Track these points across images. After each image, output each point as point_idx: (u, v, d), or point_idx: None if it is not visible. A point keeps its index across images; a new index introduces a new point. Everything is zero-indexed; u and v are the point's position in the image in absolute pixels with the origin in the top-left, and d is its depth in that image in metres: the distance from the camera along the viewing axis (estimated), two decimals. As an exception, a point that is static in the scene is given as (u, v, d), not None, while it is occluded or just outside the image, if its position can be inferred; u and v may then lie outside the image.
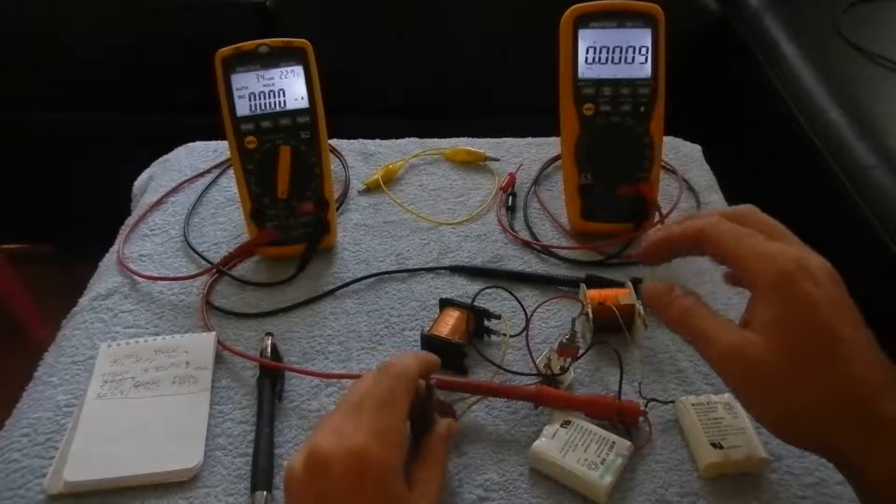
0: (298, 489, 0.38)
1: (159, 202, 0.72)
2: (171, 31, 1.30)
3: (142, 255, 0.66)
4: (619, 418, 0.49)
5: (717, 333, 0.39)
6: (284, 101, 0.62)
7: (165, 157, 0.79)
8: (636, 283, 0.58)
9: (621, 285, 0.58)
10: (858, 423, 0.35)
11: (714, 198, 0.72)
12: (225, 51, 0.61)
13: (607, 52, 0.63)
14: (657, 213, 0.65)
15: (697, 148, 0.80)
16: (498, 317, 0.56)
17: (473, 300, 0.55)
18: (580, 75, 0.63)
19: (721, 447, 0.47)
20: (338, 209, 0.70)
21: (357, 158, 0.78)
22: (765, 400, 0.37)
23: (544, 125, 0.75)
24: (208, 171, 0.76)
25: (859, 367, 0.35)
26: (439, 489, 0.42)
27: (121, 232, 0.69)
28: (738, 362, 0.38)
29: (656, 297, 0.43)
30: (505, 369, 0.53)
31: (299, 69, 0.62)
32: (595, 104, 0.64)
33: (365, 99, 1.34)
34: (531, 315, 0.55)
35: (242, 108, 0.62)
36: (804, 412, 0.36)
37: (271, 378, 0.53)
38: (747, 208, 0.41)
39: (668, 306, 0.42)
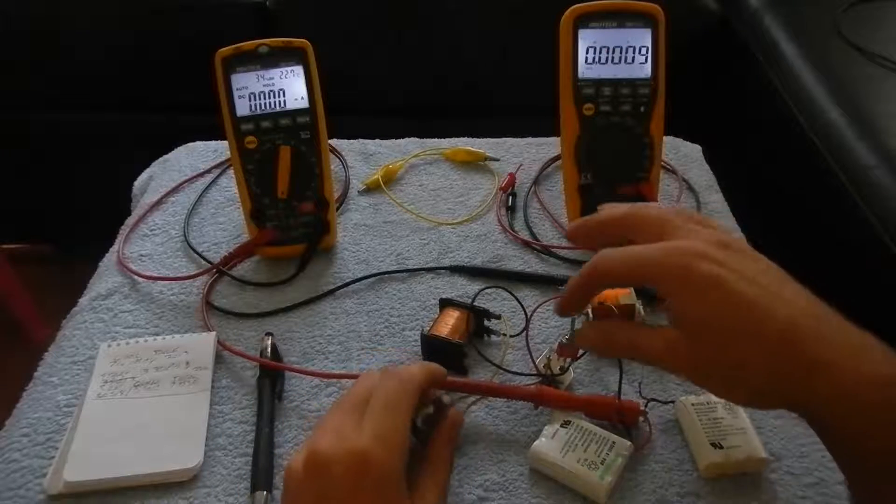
0: (298, 489, 0.38)
1: (159, 202, 0.72)
2: (171, 31, 1.30)
3: (142, 255, 0.66)
4: (619, 418, 0.49)
5: (643, 342, 0.40)
6: (284, 101, 0.62)
7: (165, 157, 0.79)
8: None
9: (621, 285, 0.58)
10: (804, 373, 0.34)
11: (714, 198, 0.72)
12: (225, 51, 0.61)
13: (607, 52, 0.63)
14: (657, 213, 0.65)
15: (697, 148, 0.80)
16: (498, 317, 0.56)
17: (473, 300, 0.55)
18: (580, 75, 0.63)
19: (721, 447, 0.47)
20: (338, 209, 0.70)
21: (357, 158, 0.78)
22: (713, 384, 0.38)
23: (544, 125, 0.75)
24: (208, 171, 0.76)
25: (783, 317, 0.35)
26: (442, 493, 0.42)
27: (121, 232, 0.69)
28: (671, 364, 0.39)
29: (588, 338, 0.44)
30: (505, 369, 0.53)
31: (299, 69, 0.62)
32: (595, 104, 0.64)
33: (365, 99, 1.34)
34: (531, 315, 0.55)
35: (242, 108, 0.62)
36: (748, 380, 0.36)
37: (271, 378, 0.53)
38: (674, 208, 0.43)
39: (601, 340, 0.43)
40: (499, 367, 0.53)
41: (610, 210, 0.42)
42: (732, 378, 0.37)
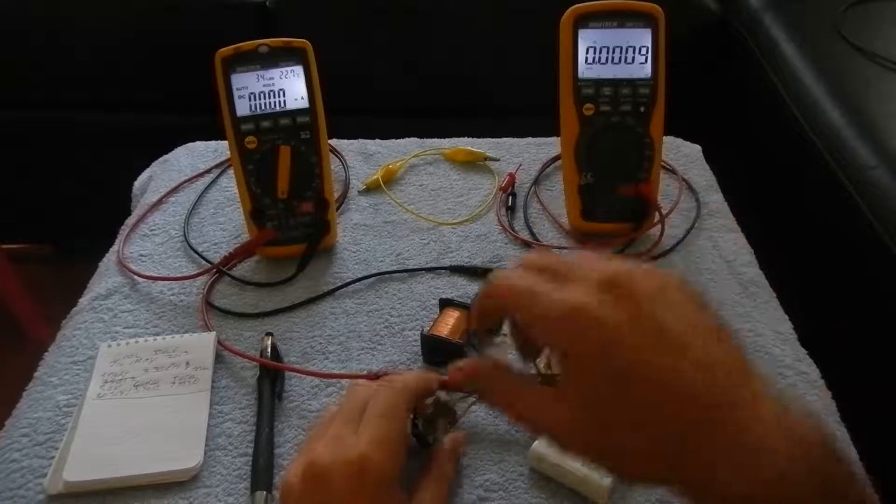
0: (297, 502, 0.38)
1: (159, 202, 0.72)
2: (171, 31, 1.30)
3: (142, 255, 0.66)
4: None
5: (529, 408, 0.35)
6: (284, 101, 0.62)
7: (165, 157, 0.79)
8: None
9: None
10: (701, 465, 0.30)
11: (714, 198, 0.72)
12: (225, 51, 0.61)
13: (607, 52, 0.63)
14: (657, 213, 0.65)
15: (697, 148, 0.80)
16: (498, 317, 0.56)
17: (474, 300, 0.55)
18: (580, 75, 0.63)
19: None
20: (338, 209, 0.70)
21: (357, 158, 0.78)
22: (605, 461, 0.34)
23: (544, 125, 0.75)
24: (208, 171, 0.76)
25: (674, 402, 0.30)
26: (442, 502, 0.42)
27: (121, 232, 0.69)
28: (560, 435, 0.34)
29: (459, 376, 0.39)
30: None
31: (299, 69, 0.62)
32: (595, 104, 0.64)
33: (365, 99, 1.34)
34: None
35: (242, 108, 0.62)
36: (643, 464, 0.32)
37: (271, 378, 0.53)
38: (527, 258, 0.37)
39: (474, 375, 0.39)
40: (499, 367, 0.53)
41: (478, 302, 0.38)
42: (611, 453, 0.33)
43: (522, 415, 0.35)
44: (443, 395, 0.46)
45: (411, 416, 0.46)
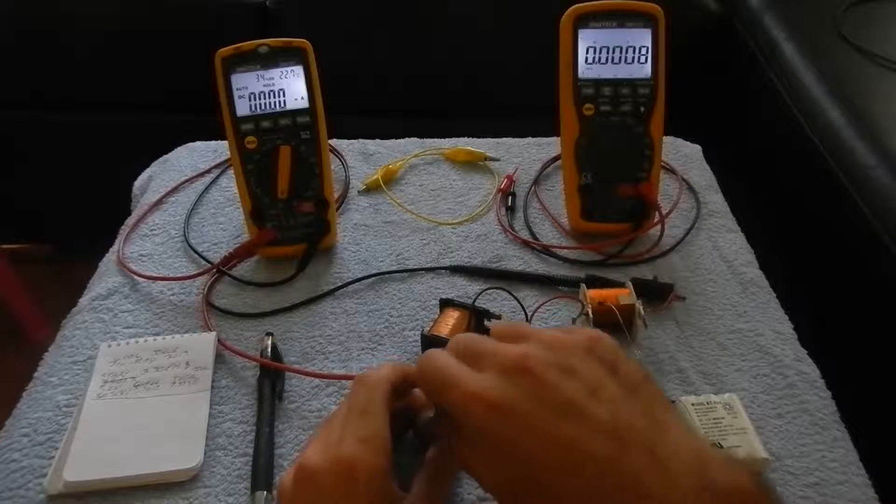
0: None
1: (159, 202, 0.72)
2: (171, 31, 1.30)
3: (142, 255, 0.66)
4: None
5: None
6: (284, 101, 0.62)
7: (165, 157, 0.79)
8: (636, 282, 0.58)
9: (621, 285, 0.58)
10: None
11: (714, 198, 0.72)
12: (225, 51, 0.61)
13: (607, 52, 0.63)
14: (657, 213, 0.65)
15: (697, 148, 0.80)
16: (498, 317, 0.56)
17: (474, 301, 0.55)
18: (580, 75, 0.63)
19: (721, 447, 0.47)
20: (338, 209, 0.70)
21: (357, 158, 0.78)
22: None
23: (544, 125, 0.75)
24: (208, 171, 0.76)
25: (575, 476, 0.31)
26: (441, 500, 0.43)
27: (121, 232, 0.69)
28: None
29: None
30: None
31: (299, 69, 0.62)
32: (595, 104, 0.64)
33: (365, 99, 1.34)
34: (531, 315, 0.55)
35: (242, 108, 0.62)
36: None
37: (271, 378, 0.53)
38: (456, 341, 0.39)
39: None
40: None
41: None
42: None
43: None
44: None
45: (416, 413, 0.46)
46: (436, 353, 0.38)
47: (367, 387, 0.42)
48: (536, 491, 0.33)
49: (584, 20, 0.63)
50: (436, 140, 0.80)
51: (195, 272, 0.63)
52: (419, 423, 0.46)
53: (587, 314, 0.55)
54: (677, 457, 0.32)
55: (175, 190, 0.73)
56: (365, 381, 0.43)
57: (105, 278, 0.63)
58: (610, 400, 0.33)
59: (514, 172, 0.75)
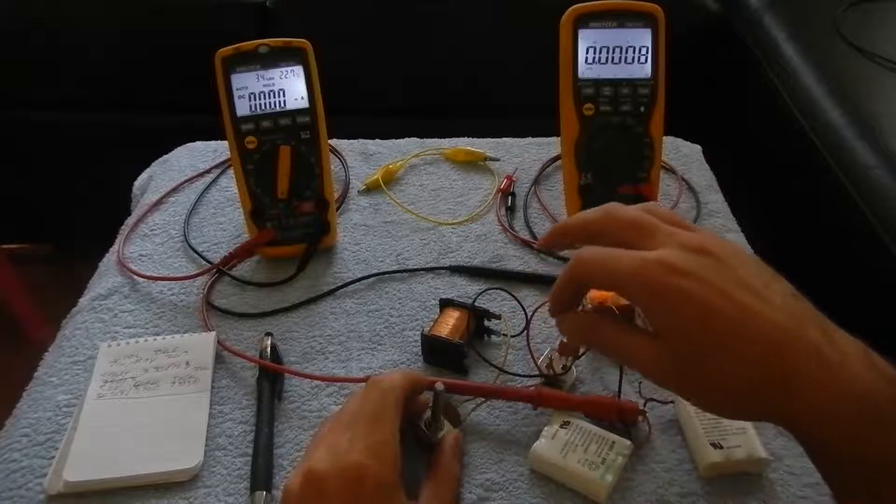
0: None
1: (159, 202, 0.72)
2: (172, 31, 1.30)
3: (142, 255, 0.66)
4: (619, 418, 0.49)
5: (631, 349, 0.38)
6: (284, 101, 0.62)
7: (165, 157, 0.79)
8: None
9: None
10: (781, 388, 0.33)
11: (714, 198, 0.72)
12: (225, 51, 0.61)
13: (607, 52, 0.63)
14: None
15: (697, 148, 0.80)
16: (498, 317, 0.56)
17: (474, 301, 0.55)
18: (580, 75, 0.63)
19: (721, 447, 0.47)
20: (338, 209, 0.70)
21: (357, 158, 0.78)
22: (698, 399, 0.37)
23: (544, 125, 0.75)
24: (208, 171, 0.76)
25: (759, 332, 0.34)
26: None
27: (121, 232, 0.69)
28: (656, 377, 0.38)
29: (572, 329, 0.42)
30: (506, 371, 0.53)
31: (299, 69, 0.62)
32: (595, 104, 0.64)
33: (365, 99, 1.34)
34: (532, 315, 0.55)
35: (242, 108, 0.62)
36: (730, 395, 0.35)
37: (271, 378, 0.53)
38: (651, 204, 0.41)
39: (586, 332, 0.41)
40: (500, 369, 0.53)
41: (584, 215, 0.41)
42: (714, 393, 0.36)
43: (625, 359, 0.40)
44: (445, 396, 0.47)
45: (415, 417, 0.47)
46: (593, 248, 0.38)
47: (380, 392, 0.42)
48: (714, 353, 0.34)
49: (584, 20, 0.63)
50: (436, 140, 0.80)
51: (195, 272, 0.63)
52: (420, 426, 0.46)
53: (587, 314, 0.55)
54: (846, 340, 0.34)
55: (175, 190, 0.73)
56: (378, 386, 0.43)
57: (105, 278, 0.63)
58: (781, 292, 0.36)
59: (514, 172, 0.75)
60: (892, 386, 0.33)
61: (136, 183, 0.77)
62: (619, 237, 0.39)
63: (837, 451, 0.34)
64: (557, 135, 0.66)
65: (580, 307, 0.51)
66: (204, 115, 0.78)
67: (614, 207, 0.40)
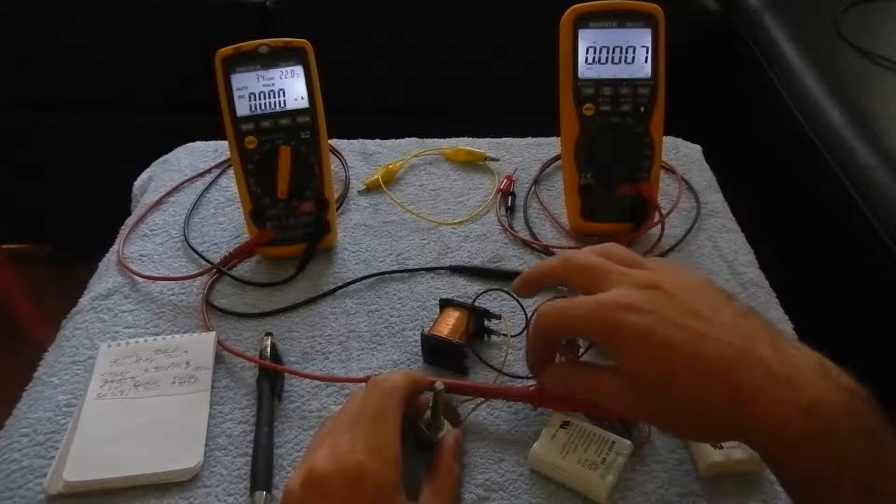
0: None
1: (159, 202, 0.72)
2: (171, 31, 1.30)
3: (142, 255, 0.66)
4: (619, 418, 0.49)
5: (597, 388, 0.42)
6: (284, 101, 0.62)
7: (165, 157, 0.79)
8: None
9: None
10: (734, 408, 0.35)
11: (714, 198, 0.72)
12: (225, 51, 0.61)
13: (607, 52, 0.63)
14: (657, 213, 0.65)
15: (697, 148, 0.80)
16: (498, 317, 0.56)
17: (474, 301, 0.55)
18: (580, 75, 0.63)
19: (721, 447, 0.47)
20: (338, 209, 0.70)
21: (357, 158, 0.78)
22: (661, 425, 0.41)
23: (544, 125, 0.75)
24: (208, 171, 0.76)
25: (711, 356, 0.36)
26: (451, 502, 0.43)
27: (121, 232, 0.69)
28: (621, 410, 0.42)
29: (551, 383, 0.47)
30: (505, 373, 0.53)
31: (299, 69, 0.62)
32: (595, 104, 0.64)
33: (365, 99, 1.34)
34: (531, 315, 0.55)
35: (242, 108, 0.62)
36: (689, 420, 0.38)
37: (271, 378, 0.53)
38: (607, 245, 0.44)
39: (561, 384, 0.46)
40: (499, 371, 0.53)
41: (543, 266, 0.46)
42: (676, 419, 0.38)
43: (596, 397, 0.43)
44: (445, 396, 0.47)
45: (415, 417, 0.47)
46: (552, 301, 0.42)
47: (381, 392, 0.42)
48: (669, 378, 0.37)
49: (584, 20, 0.63)
50: (436, 140, 0.80)
51: (195, 272, 0.63)
52: (420, 426, 0.46)
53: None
54: (799, 353, 0.36)
55: (175, 190, 0.73)
56: (380, 386, 0.43)
57: (105, 278, 0.63)
58: (732, 315, 0.38)
59: (514, 172, 0.75)
60: (848, 395, 0.33)
61: (136, 183, 0.77)
62: (576, 282, 0.42)
63: (792, 466, 0.34)
64: (557, 135, 0.67)
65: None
66: (204, 115, 0.78)
67: (570, 255, 0.44)
